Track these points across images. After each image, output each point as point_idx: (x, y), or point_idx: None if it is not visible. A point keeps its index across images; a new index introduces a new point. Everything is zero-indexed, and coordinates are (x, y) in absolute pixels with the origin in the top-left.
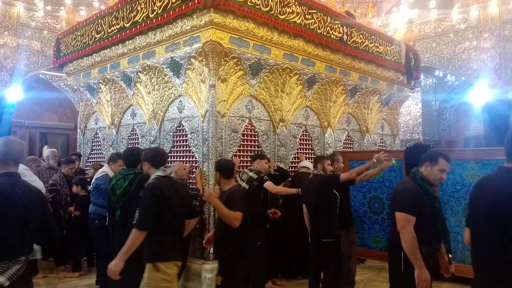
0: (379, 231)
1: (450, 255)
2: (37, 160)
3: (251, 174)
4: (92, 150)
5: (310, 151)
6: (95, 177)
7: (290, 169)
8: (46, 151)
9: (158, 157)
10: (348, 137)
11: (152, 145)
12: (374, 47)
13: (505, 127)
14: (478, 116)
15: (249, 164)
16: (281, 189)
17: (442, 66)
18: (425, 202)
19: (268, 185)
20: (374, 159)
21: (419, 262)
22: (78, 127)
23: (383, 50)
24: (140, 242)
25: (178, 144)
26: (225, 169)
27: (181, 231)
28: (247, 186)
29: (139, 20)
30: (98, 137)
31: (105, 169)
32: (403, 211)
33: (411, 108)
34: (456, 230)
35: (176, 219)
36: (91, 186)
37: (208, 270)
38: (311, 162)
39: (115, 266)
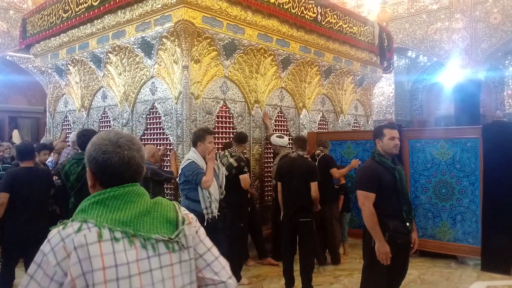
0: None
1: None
2: None
3: (231, 160)
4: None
5: (285, 132)
6: (181, 167)
7: (266, 150)
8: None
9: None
10: (323, 118)
11: (125, 128)
12: (348, 28)
13: (475, 107)
14: (449, 96)
15: (222, 146)
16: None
17: (414, 47)
18: (385, 176)
19: (244, 179)
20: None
21: (378, 236)
22: (47, 110)
23: (357, 31)
24: None
25: (151, 126)
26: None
27: None
28: (226, 173)
29: None
30: (68, 120)
31: (192, 154)
32: (361, 188)
33: (384, 88)
34: (426, 207)
35: None
36: (178, 177)
37: None
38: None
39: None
